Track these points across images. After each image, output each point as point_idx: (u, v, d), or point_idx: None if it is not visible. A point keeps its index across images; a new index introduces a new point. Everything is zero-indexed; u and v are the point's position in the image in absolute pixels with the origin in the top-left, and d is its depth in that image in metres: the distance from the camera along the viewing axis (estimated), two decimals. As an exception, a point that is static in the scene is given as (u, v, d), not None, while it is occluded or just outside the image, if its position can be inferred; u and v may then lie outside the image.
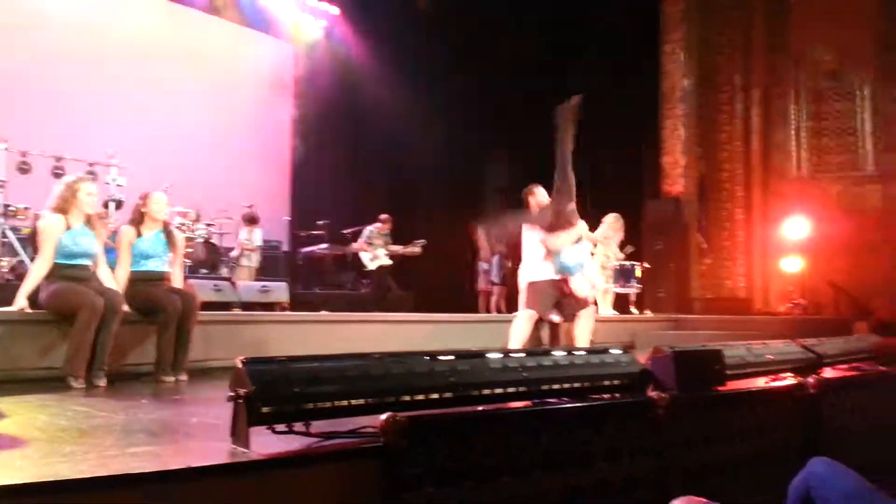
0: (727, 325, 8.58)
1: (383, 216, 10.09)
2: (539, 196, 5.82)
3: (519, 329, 5.40)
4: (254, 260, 9.60)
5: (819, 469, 2.44)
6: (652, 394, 2.80)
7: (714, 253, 12.12)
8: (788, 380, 3.65)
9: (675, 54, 12.17)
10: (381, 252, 9.90)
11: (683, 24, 12.15)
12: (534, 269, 5.46)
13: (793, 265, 11.83)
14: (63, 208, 4.26)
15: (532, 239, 5.53)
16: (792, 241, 11.80)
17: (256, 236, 9.68)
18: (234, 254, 9.61)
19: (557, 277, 5.44)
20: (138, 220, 4.65)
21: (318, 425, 2.17)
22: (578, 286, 5.51)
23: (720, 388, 3.09)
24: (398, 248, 10.30)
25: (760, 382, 3.54)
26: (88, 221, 4.34)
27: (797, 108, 12.33)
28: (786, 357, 3.91)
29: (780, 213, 12.08)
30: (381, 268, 9.93)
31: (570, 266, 5.38)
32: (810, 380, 3.49)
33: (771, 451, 3.20)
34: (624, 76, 11.81)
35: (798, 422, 3.37)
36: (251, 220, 9.65)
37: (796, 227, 11.75)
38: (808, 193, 11.96)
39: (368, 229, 9.98)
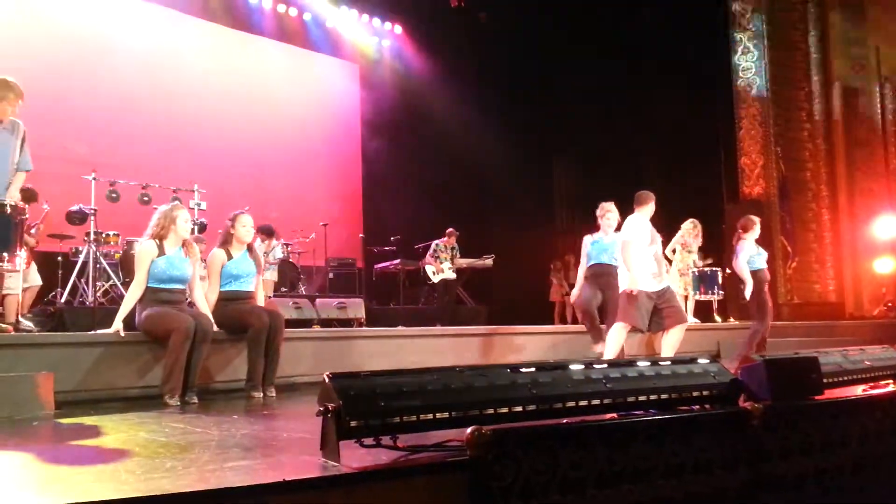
0: (817, 331, 8.24)
1: (449, 230, 10.12)
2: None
3: (617, 338, 5.37)
4: (271, 274, 8.85)
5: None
6: (745, 404, 2.70)
7: (801, 256, 11.63)
8: (890, 387, 3.46)
9: (747, 53, 11.82)
10: (447, 266, 9.91)
11: (754, 21, 11.79)
12: (633, 279, 5.37)
13: (885, 266, 11.23)
14: (159, 235, 4.47)
15: (633, 250, 5.46)
16: (883, 241, 11.22)
17: (277, 250, 9.14)
18: None
19: (658, 289, 5.37)
20: (228, 241, 4.83)
21: (403, 439, 2.20)
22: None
23: (817, 398, 2.96)
24: (465, 262, 10.32)
25: (859, 391, 3.37)
26: (184, 246, 4.54)
27: (881, 101, 11.75)
28: (885, 363, 3.71)
29: (869, 211, 11.51)
30: (445, 281, 9.93)
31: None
32: (914, 386, 3.30)
33: (874, 461, 3.03)
34: (695, 77, 11.55)
35: (903, 431, 3.19)
36: (268, 234, 9.00)
37: (887, 226, 11.17)
38: (898, 190, 11.37)
39: (435, 243, 10.05)
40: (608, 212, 6.07)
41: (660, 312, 5.39)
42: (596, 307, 6.13)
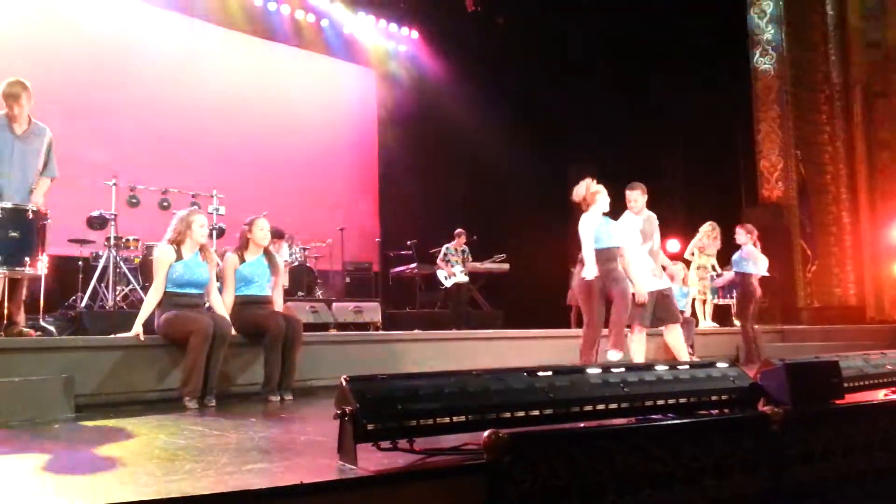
0: (837, 335, 8.14)
1: (458, 231, 10.09)
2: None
3: (641, 344, 5.34)
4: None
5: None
6: (765, 409, 2.68)
7: (821, 259, 11.50)
8: (912, 392, 3.41)
9: (766, 55, 11.74)
10: (458, 269, 9.88)
11: (773, 23, 11.71)
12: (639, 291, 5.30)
13: (907, 269, 11.08)
14: (177, 240, 4.53)
15: (635, 251, 5.41)
16: (905, 244, 11.07)
17: (284, 251, 8.93)
18: None
19: (657, 287, 5.34)
20: (244, 246, 4.87)
21: (420, 442, 2.20)
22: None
23: (838, 402, 2.92)
24: (481, 266, 10.28)
25: (881, 395, 3.33)
26: (202, 251, 4.58)
27: (903, 103, 11.61)
28: (908, 367, 3.66)
29: (890, 214, 11.37)
30: (457, 285, 9.90)
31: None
32: (937, 391, 3.25)
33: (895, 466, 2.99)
34: (713, 79, 11.49)
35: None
36: (277, 236, 8.98)
37: (909, 229, 11.03)
38: (920, 192, 11.22)
39: (445, 247, 10.03)
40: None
41: (655, 312, 5.41)
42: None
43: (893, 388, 3.46)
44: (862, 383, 3.27)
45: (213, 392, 4.23)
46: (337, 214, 11.10)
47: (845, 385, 3.02)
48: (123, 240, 7.82)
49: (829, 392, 2.93)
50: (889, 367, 3.55)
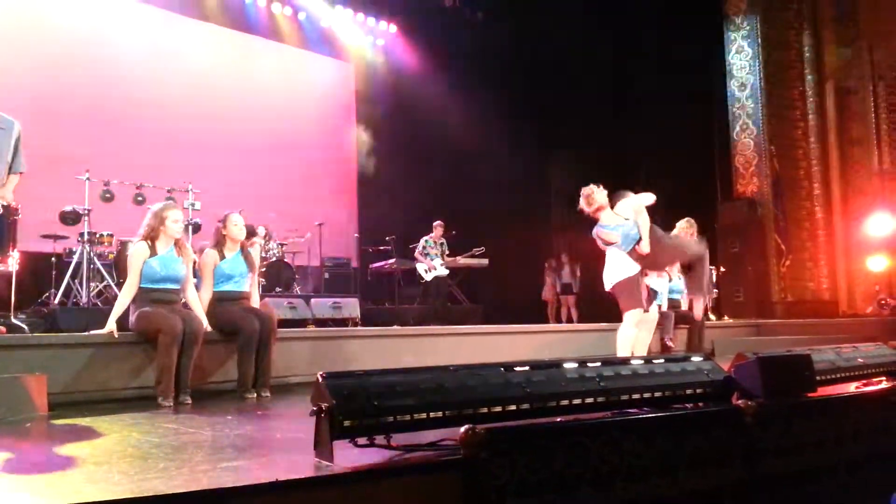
0: (811, 329, 8.27)
1: (436, 222, 10.07)
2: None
3: (630, 335, 5.30)
4: None
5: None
6: (738, 402, 2.71)
7: (794, 254, 11.67)
8: (883, 384, 3.47)
9: (741, 52, 11.85)
10: (438, 262, 9.87)
11: (748, 20, 11.83)
12: (621, 267, 5.31)
13: (879, 264, 11.28)
14: (150, 235, 4.46)
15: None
16: (876, 239, 11.26)
17: (257, 248, 8.95)
18: None
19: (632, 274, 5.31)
20: (221, 242, 4.82)
21: (397, 438, 2.20)
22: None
23: (810, 395, 2.97)
24: (462, 261, 10.27)
25: (852, 388, 3.38)
26: (177, 246, 4.52)
27: (874, 100, 11.79)
28: (878, 360, 3.72)
29: (863, 209, 11.56)
30: (437, 279, 9.90)
31: None
32: (907, 383, 3.31)
33: (867, 458, 3.04)
34: (691, 75, 11.58)
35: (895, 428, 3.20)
36: (249, 233, 8.73)
37: (880, 224, 11.22)
38: (891, 188, 11.41)
39: (424, 239, 10.01)
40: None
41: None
42: None
43: (865, 382, 3.52)
44: (834, 376, 3.32)
45: (187, 390, 4.18)
46: (315, 209, 11.03)
47: (818, 378, 3.06)
48: (97, 235, 7.70)
49: (802, 385, 2.98)
50: (861, 360, 3.61)
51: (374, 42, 13.76)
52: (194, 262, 4.70)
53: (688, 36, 11.59)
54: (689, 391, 2.81)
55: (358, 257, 12.00)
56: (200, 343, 4.32)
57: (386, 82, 13.51)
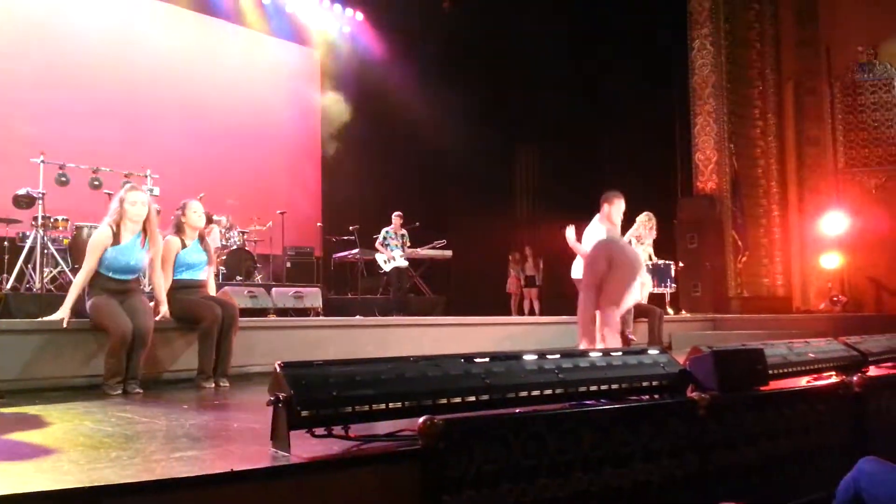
0: (766, 324, 8.45)
1: (395, 213, 10.04)
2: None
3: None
4: None
5: (869, 468, 2.38)
6: (692, 394, 2.76)
7: (751, 250, 11.93)
8: (832, 379, 3.56)
9: (704, 50, 12.03)
10: (397, 253, 9.85)
11: (711, 19, 12.01)
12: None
13: (832, 261, 11.60)
14: (115, 221, 4.32)
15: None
16: (830, 237, 11.58)
17: (215, 236, 8.70)
18: None
19: None
20: (180, 230, 4.73)
21: (356, 429, 2.18)
22: None
23: (762, 388, 3.04)
24: (424, 252, 10.26)
25: (803, 382, 3.47)
26: (144, 233, 4.38)
27: (831, 101, 12.09)
28: (829, 355, 3.82)
29: (818, 208, 11.86)
30: (397, 269, 9.87)
31: None
32: (855, 378, 3.40)
33: (816, 451, 3.13)
34: (654, 72, 11.72)
35: (844, 421, 3.29)
36: (208, 220, 8.49)
37: (834, 223, 11.53)
38: (846, 188, 11.74)
39: (384, 230, 9.98)
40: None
41: None
42: None
43: (815, 376, 3.61)
44: (785, 370, 3.39)
45: (136, 380, 4.09)
46: (278, 198, 10.92)
47: (770, 372, 3.12)
48: (52, 219, 7.52)
49: (755, 378, 3.04)
50: (812, 354, 3.69)
51: (340, 29, 13.63)
52: None
53: (652, 34, 11.73)
54: (645, 384, 2.84)
55: (321, 247, 11.91)
56: (150, 343, 4.20)
57: (351, 71, 13.40)
